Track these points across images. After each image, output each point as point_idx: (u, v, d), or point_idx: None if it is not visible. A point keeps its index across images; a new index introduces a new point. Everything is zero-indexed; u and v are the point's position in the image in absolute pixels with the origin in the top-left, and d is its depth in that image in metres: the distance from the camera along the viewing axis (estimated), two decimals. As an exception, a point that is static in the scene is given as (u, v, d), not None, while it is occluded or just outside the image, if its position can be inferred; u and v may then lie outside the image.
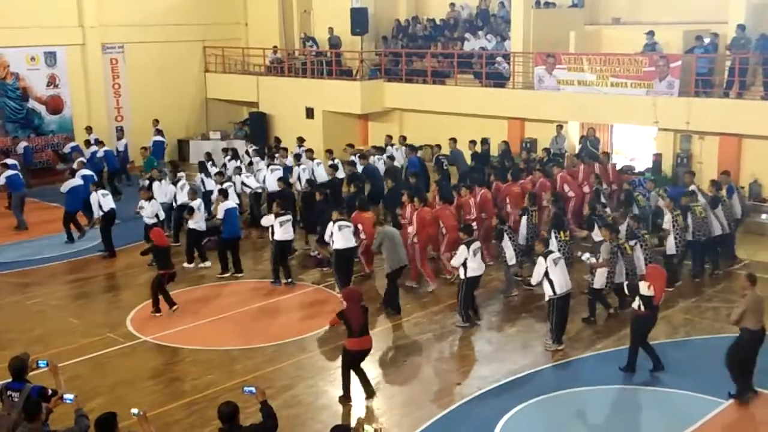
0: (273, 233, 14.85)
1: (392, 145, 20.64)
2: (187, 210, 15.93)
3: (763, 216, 17.51)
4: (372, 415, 10.25)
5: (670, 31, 20.11)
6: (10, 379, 7.93)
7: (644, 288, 10.91)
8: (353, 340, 10.37)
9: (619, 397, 10.69)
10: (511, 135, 21.28)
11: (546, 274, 11.66)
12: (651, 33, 19.91)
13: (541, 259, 11.74)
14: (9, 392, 7.76)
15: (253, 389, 7.37)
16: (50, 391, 7.58)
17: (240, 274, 15.68)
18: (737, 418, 10.18)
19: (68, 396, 7.25)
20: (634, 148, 21.04)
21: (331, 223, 14.13)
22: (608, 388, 10.89)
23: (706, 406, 10.23)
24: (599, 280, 12.74)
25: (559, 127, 20.19)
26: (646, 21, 21.43)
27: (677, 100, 18.24)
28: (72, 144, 22.94)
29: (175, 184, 17.56)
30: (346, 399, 10.52)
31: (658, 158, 19.29)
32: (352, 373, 10.54)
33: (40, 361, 7.96)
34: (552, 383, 11.01)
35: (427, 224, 14.74)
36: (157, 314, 13.60)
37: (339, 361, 11.54)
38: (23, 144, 23.07)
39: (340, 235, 14.02)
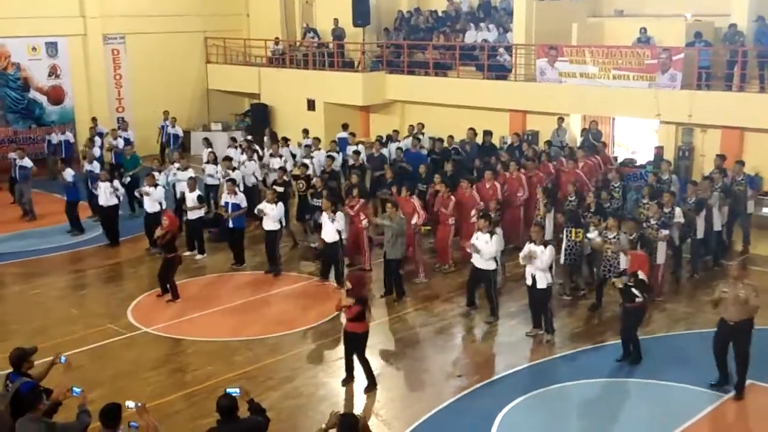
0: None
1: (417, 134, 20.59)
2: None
3: (765, 209, 17.50)
4: (372, 407, 10.27)
5: (673, 23, 20.04)
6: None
7: (643, 276, 11.03)
8: (366, 323, 10.48)
9: (618, 391, 10.69)
10: (512, 127, 21.24)
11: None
12: (644, 29, 19.97)
13: (552, 248, 11.87)
14: (7, 382, 7.78)
15: (237, 390, 7.17)
16: (43, 389, 7.56)
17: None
18: (736, 410, 10.20)
19: (76, 389, 7.30)
20: (635, 140, 21.00)
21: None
22: (607, 381, 10.90)
23: (705, 399, 10.25)
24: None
25: (560, 119, 20.15)
26: (649, 13, 21.38)
27: (679, 93, 18.19)
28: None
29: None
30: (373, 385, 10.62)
31: (659, 151, 19.23)
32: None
33: (62, 357, 8.01)
34: (552, 376, 11.03)
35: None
36: (176, 300, 13.76)
37: (339, 352, 11.56)
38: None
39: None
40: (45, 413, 7.18)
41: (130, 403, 6.96)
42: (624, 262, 12.57)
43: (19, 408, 7.13)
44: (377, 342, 12.17)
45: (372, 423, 9.73)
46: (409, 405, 10.31)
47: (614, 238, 12.67)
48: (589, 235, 13.08)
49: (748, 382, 10.44)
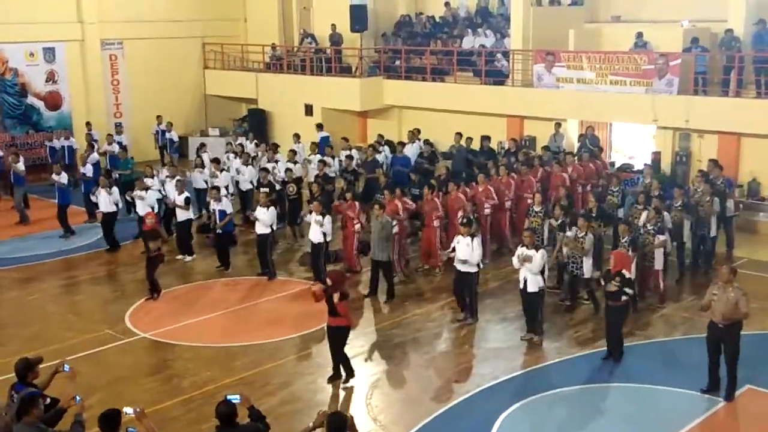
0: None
1: (418, 140, 20.71)
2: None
3: (761, 215, 17.53)
4: (370, 411, 10.27)
5: (670, 28, 20.08)
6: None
7: (629, 275, 11.41)
8: (347, 318, 10.86)
9: (617, 396, 10.68)
10: (510, 133, 21.28)
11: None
12: (640, 34, 20.02)
13: (544, 252, 12.00)
14: (12, 392, 7.77)
15: (237, 397, 7.11)
16: (48, 400, 7.54)
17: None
18: (734, 415, 10.21)
19: (78, 398, 7.31)
20: (633, 146, 21.03)
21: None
22: (606, 386, 10.90)
23: (703, 404, 10.24)
24: (587, 269, 13.02)
25: (558, 125, 20.17)
26: (646, 19, 21.42)
27: (676, 99, 18.22)
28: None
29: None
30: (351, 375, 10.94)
31: (657, 156, 19.27)
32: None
33: (65, 365, 7.99)
34: (551, 381, 11.02)
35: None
36: (157, 297, 14.03)
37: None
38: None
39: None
40: (49, 422, 7.16)
41: (128, 409, 6.92)
42: (588, 263, 12.91)
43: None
44: (374, 347, 12.20)
45: (370, 428, 9.74)
46: (408, 410, 10.30)
47: (582, 238, 12.95)
48: (568, 233, 13.25)
49: (745, 386, 10.48)
